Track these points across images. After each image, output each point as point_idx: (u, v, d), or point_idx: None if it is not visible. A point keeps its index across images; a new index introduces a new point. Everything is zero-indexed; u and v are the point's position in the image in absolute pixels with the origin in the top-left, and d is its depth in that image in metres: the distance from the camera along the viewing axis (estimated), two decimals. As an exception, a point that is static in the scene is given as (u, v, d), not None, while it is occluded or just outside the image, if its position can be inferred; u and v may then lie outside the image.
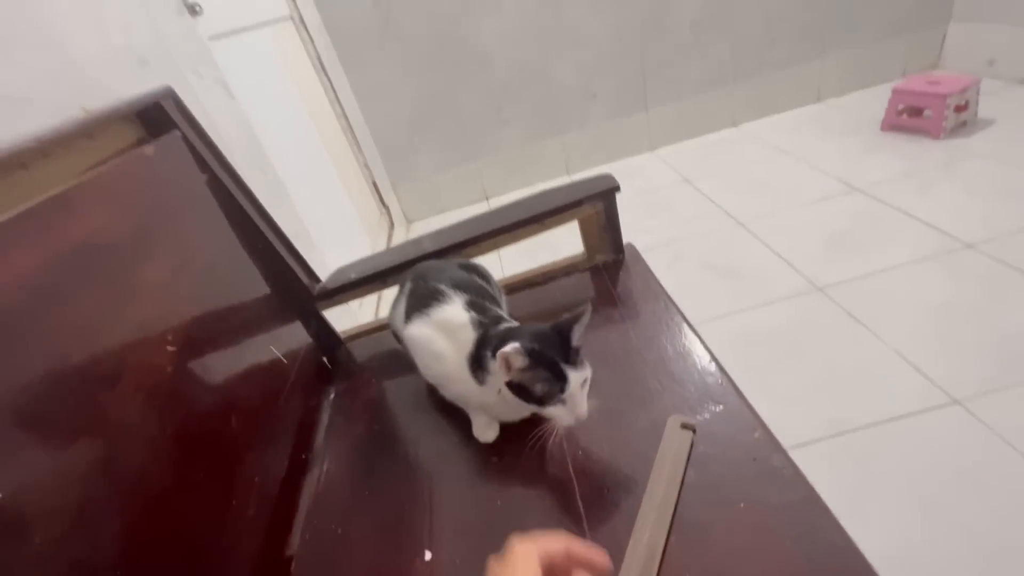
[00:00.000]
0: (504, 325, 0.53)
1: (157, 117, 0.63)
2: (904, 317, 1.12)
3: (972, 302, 1.11)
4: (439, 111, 2.05)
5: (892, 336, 1.08)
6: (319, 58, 1.74)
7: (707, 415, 0.50)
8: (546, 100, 2.09)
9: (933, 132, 1.73)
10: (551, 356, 0.46)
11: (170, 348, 0.49)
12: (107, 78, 0.66)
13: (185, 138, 0.64)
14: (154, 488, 0.42)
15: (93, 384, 0.40)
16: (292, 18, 1.60)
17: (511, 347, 0.45)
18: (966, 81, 1.69)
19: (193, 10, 0.94)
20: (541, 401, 0.47)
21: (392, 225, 2.16)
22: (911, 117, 1.80)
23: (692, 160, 2.08)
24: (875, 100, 2.03)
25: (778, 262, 1.39)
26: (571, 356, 0.46)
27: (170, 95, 0.65)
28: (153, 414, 0.45)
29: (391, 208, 2.17)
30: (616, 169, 2.20)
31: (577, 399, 0.46)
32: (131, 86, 0.70)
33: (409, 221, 2.27)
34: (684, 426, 0.49)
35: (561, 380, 0.45)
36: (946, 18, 2.11)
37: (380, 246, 1.90)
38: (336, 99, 1.84)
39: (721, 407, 0.51)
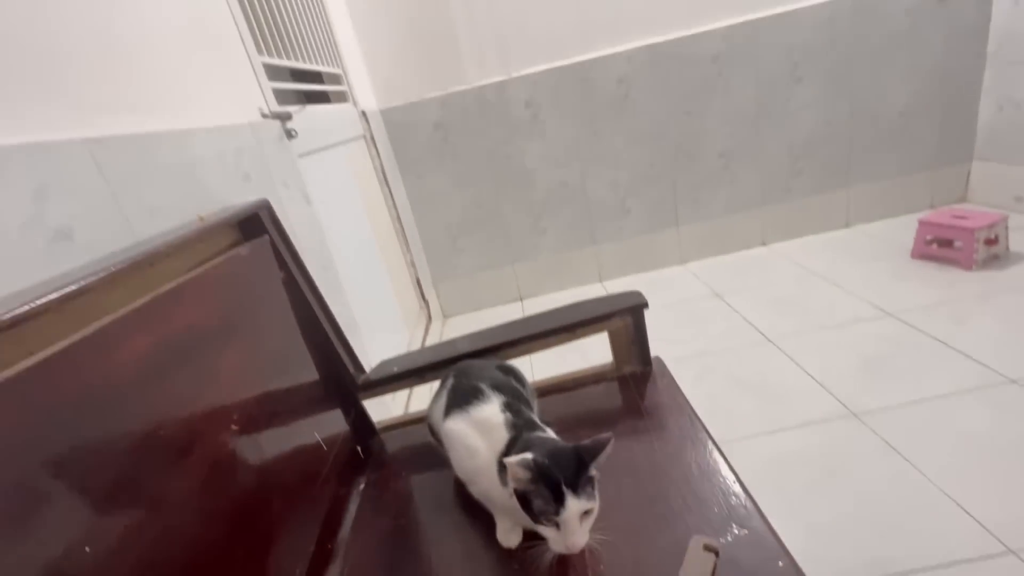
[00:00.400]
0: (536, 432, 0.56)
1: (253, 224, 0.74)
2: (948, 451, 1.07)
3: (1021, 440, 1.07)
4: (483, 218, 2.24)
5: (936, 471, 1.03)
6: (383, 169, 1.97)
7: (731, 538, 0.51)
8: (582, 213, 2.25)
9: (964, 263, 1.76)
10: (557, 476, 0.46)
11: (234, 427, 0.55)
12: (220, 191, 0.79)
13: (272, 242, 0.76)
14: (201, 558, 0.46)
15: (172, 454, 0.46)
16: (365, 137, 1.86)
17: (519, 457, 0.47)
18: (994, 217, 1.75)
19: (290, 135, 1.13)
20: (536, 518, 0.48)
21: (430, 319, 2.27)
22: (941, 247, 1.84)
23: (722, 275, 2.14)
24: (904, 228, 2.10)
25: (811, 383, 1.37)
26: (580, 482, 0.47)
27: (265, 206, 0.77)
28: (212, 488, 0.49)
29: (430, 303, 2.29)
30: (647, 279, 2.29)
31: (571, 527, 0.46)
32: (236, 196, 0.84)
33: (446, 316, 2.38)
34: (707, 548, 0.49)
35: (559, 503, 0.46)
36: (968, 157, 2.22)
37: (417, 338, 1.99)
38: (393, 204, 2.04)
39: (746, 531, 0.51)
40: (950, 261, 1.81)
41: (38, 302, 0.37)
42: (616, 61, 2.03)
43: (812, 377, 1.40)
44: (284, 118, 1.11)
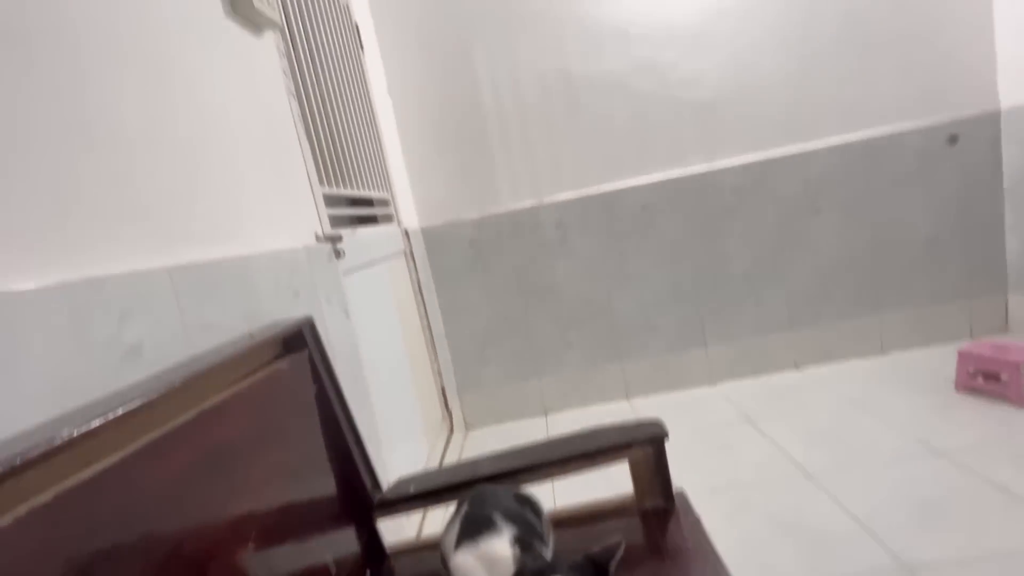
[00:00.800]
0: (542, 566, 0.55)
1: (296, 339, 0.81)
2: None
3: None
4: (511, 331, 2.30)
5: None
6: (418, 282, 2.10)
7: None
8: (608, 329, 2.29)
9: (1015, 399, 1.67)
10: None
11: (251, 544, 0.56)
12: (271, 306, 0.87)
13: (310, 356, 0.81)
14: None
15: (192, 567, 0.47)
16: (405, 252, 2.01)
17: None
18: None
19: (339, 254, 1.25)
20: None
21: (452, 430, 2.24)
22: (987, 381, 1.76)
23: (754, 399, 2.08)
24: (942, 358, 2.02)
25: (856, 528, 1.26)
26: None
27: (309, 322, 0.84)
28: (220, 612, 0.49)
29: (453, 413, 2.28)
30: (675, 400, 2.24)
31: None
32: (285, 312, 0.92)
33: (468, 428, 2.34)
34: None
35: None
36: (1003, 288, 2.20)
37: (438, 450, 1.95)
38: (425, 314, 2.14)
39: None
40: (998, 396, 1.72)
41: (107, 417, 0.42)
42: (640, 191, 2.20)
43: (858, 520, 1.29)
44: (335, 240, 1.24)
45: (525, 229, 2.25)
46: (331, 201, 1.39)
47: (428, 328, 2.15)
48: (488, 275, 2.27)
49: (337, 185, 1.41)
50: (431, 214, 2.26)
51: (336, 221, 1.38)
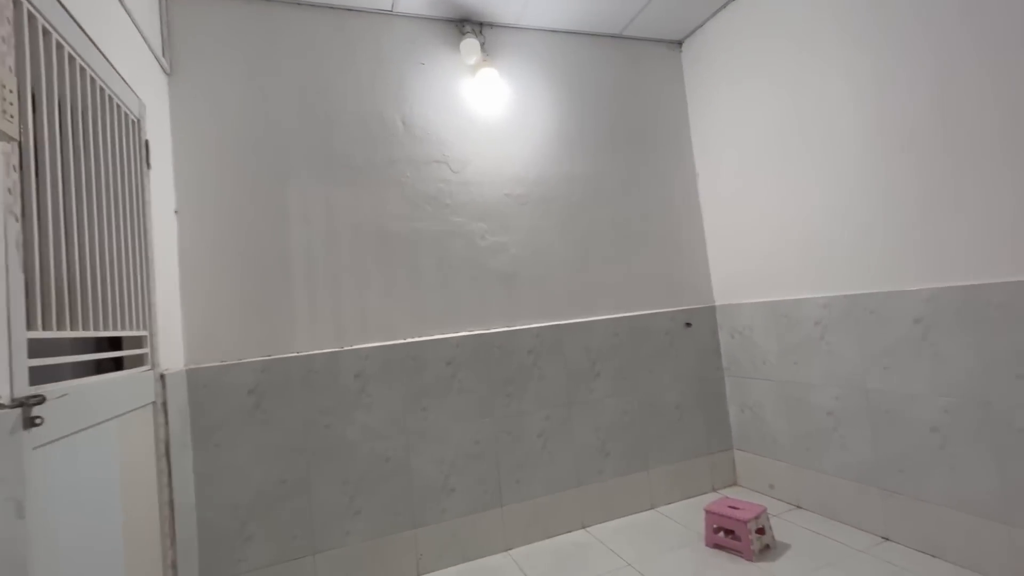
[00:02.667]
0: None
1: None
2: None
3: None
4: (286, 497, 1.95)
5: None
6: (167, 441, 1.68)
7: None
8: (403, 491, 2.11)
9: (746, 554, 1.96)
10: None
11: None
12: None
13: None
14: None
15: None
16: (155, 403, 1.62)
17: None
18: (758, 508, 2.03)
19: (33, 422, 0.93)
20: None
21: (181, 642, 1.67)
22: (727, 536, 2.04)
23: (546, 569, 2.05)
24: (696, 511, 2.34)
25: None
26: None
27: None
28: None
29: (189, 616, 1.73)
30: (469, 571, 2.08)
31: None
32: None
33: (209, 634, 1.80)
34: None
35: None
36: (731, 446, 2.71)
37: None
38: (168, 484, 1.68)
39: None
40: (735, 551, 2.00)
41: None
42: (445, 345, 2.24)
43: None
44: (31, 403, 0.93)
45: (321, 377, 2.05)
46: (46, 347, 1.08)
47: (169, 503, 1.68)
48: (268, 429, 1.96)
49: (60, 326, 1.11)
50: (203, 354, 1.93)
51: (45, 373, 1.05)
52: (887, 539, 1.96)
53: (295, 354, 2.03)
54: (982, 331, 1.66)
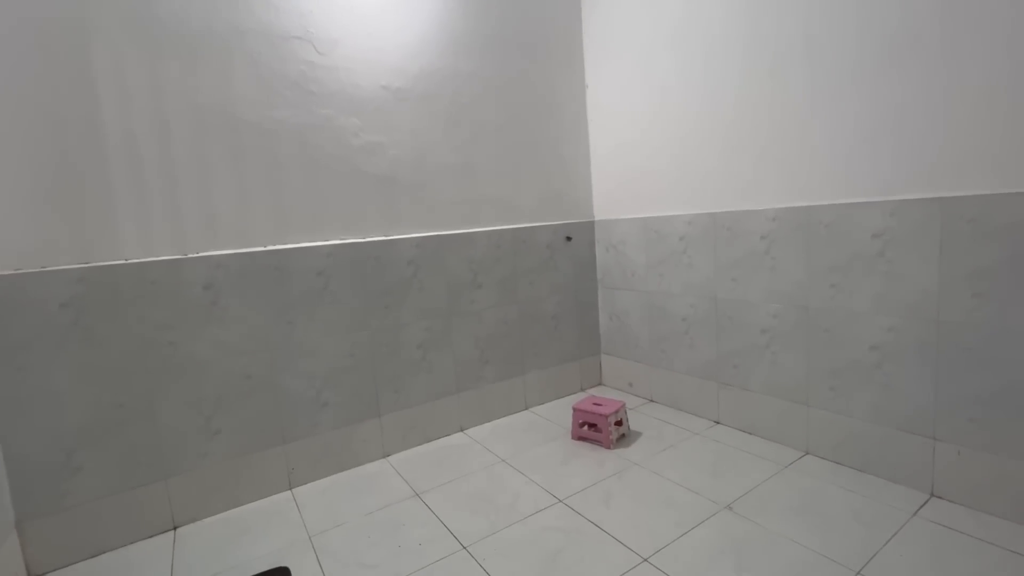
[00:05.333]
0: None
1: None
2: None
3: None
4: (123, 421, 1.71)
5: None
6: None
7: None
8: (269, 409, 1.97)
9: (605, 443, 2.18)
10: None
11: None
12: None
13: None
14: None
15: None
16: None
17: None
18: (617, 404, 2.25)
19: None
20: None
21: (-1, 586, 1.46)
22: (591, 430, 2.25)
23: (424, 469, 2.10)
24: (567, 409, 2.54)
25: (500, 598, 1.35)
26: None
27: None
28: None
29: (7, 560, 1.50)
30: (346, 480, 2.08)
31: None
32: None
33: (39, 573, 1.59)
34: None
35: None
36: (599, 351, 2.94)
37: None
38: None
39: None
40: (597, 441, 2.23)
41: None
42: (315, 254, 2.03)
43: (501, 589, 1.38)
44: None
45: (160, 289, 1.75)
46: None
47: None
48: (92, 349, 1.65)
49: None
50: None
51: None
52: (718, 423, 2.31)
53: (122, 262, 1.70)
54: (811, 247, 1.90)
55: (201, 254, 1.82)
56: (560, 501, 1.79)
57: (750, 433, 2.17)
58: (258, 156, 1.92)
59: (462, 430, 2.46)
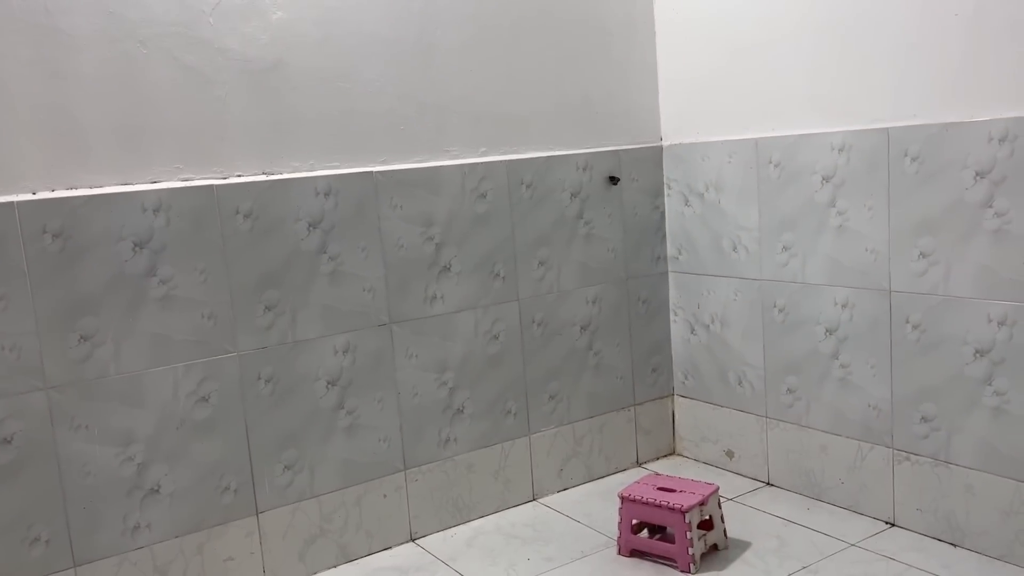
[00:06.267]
0: None
1: None
2: None
3: None
4: None
5: None
6: None
7: None
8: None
9: (682, 564, 1.98)
10: None
11: None
12: None
13: None
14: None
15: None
16: None
17: None
18: (707, 489, 2.08)
19: None
20: None
21: None
22: (654, 537, 2.09)
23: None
24: (610, 499, 2.29)
25: None
26: None
27: None
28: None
29: None
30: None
31: None
32: None
33: None
34: None
35: None
36: (667, 391, 2.75)
37: None
38: None
39: None
40: (667, 559, 2.03)
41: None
42: (128, 207, 1.73)
43: None
44: None
45: None
46: None
47: None
48: None
49: None
50: None
51: None
52: (892, 524, 2.14)
53: None
54: None
55: None
56: None
57: (955, 545, 1.96)
58: (29, 24, 1.65)
59: (413, 540, 2.18)
